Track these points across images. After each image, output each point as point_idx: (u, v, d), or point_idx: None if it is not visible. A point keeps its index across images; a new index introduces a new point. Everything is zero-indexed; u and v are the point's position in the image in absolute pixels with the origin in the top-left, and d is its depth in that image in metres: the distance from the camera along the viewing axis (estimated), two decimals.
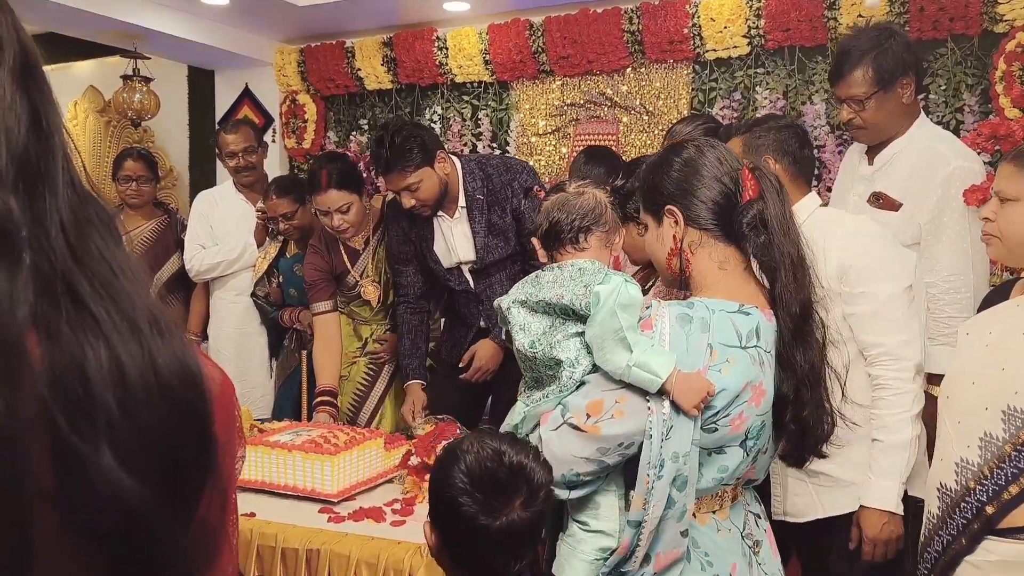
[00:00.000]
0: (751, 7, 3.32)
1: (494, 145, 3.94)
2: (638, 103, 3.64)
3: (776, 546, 1.56)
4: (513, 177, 2.76)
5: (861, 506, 1.88)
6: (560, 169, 3.77)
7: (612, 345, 1.32)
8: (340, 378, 3.02)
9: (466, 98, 4.00)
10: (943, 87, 3.11)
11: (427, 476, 2.12)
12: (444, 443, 2.10)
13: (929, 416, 1.87)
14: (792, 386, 1.40)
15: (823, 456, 1.50)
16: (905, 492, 1.88)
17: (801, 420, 1.41)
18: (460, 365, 2.82)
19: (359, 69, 4.11)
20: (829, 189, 3.05)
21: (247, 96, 4.47)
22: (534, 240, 1.63)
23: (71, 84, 5.01)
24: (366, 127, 4.23)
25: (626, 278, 1.41)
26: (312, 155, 4.17)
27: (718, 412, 1.32)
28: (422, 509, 2.07)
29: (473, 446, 1.26)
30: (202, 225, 3.54)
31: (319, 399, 2.89)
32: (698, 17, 3.40)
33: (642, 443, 1.31)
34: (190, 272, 3.56)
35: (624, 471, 1.39)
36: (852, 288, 1.88)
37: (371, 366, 3.08)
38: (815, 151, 3.26)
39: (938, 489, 1.71)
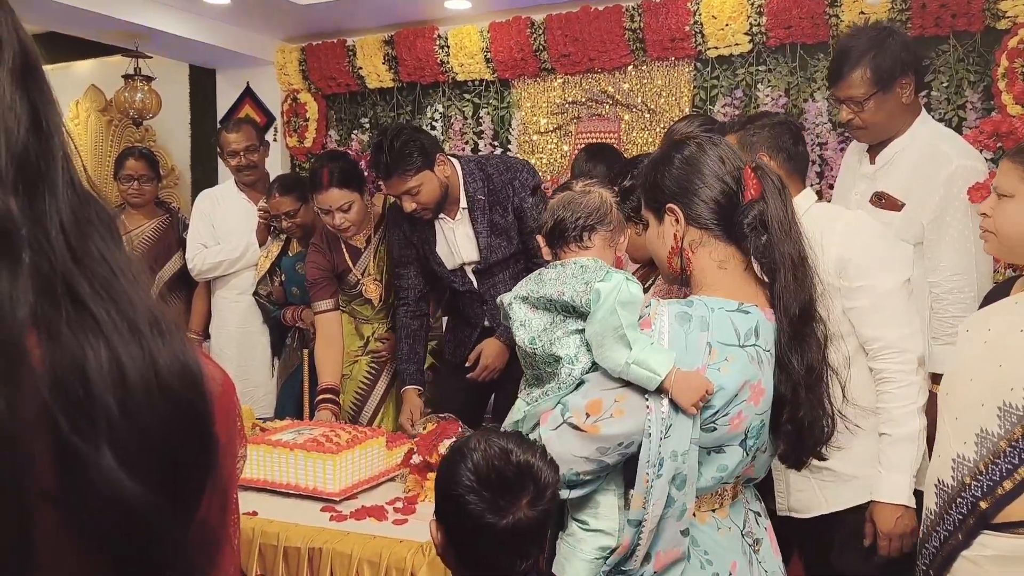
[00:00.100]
0: (753, 4, 3.31)
1: (495, 143, 3.94)
2: (640, 101, 3.63)
3: (776, 544, 1.56)
4: (513, 176, 2.76)
5: (873, 501, 1.87)
6: (562, 167, 3.77)
7: (612, 342, 1.32)
8: (342, 376, 3.01)
9: (467, 96, 4.00)
10: (945, 84, 3.10)
11: (429, 475, 2.13)
12: (446, 441, 2.10)
13: (931, 415, 1.87)
14: (789, 387, 1.39)
15: (822, 459, 1.49)
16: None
17: (797, 421, 1.40)
18: (467, 364, 2.82)
19: (360, 68, 4.11)
20: (831, 187, 3.05)
21: (248, 95, 4.47)
22: (539, 237, 1.63)
23: (72, 83, 5.01)
24: (367, 126, 4.23)
25: (627, 276, 1.41)
26: (313, 154, 4.17)
27: (717, 411, 1.32)
28: (424, 508, 2.08)
29: (480, 444, 1.26)
30: (204, 224, 3.55)
31: (321, 396, 2.89)
32: (699, 14, 3.39)
33: (641, 442, 1.31)
34: (192, 271, 3.56)
35: (624, 470, 1.39)
36: (851, 282, 1.87)
37: (373, 365, 3.08)
38: (817, 149, 3.28)
39: (936, 485, 1.72)
